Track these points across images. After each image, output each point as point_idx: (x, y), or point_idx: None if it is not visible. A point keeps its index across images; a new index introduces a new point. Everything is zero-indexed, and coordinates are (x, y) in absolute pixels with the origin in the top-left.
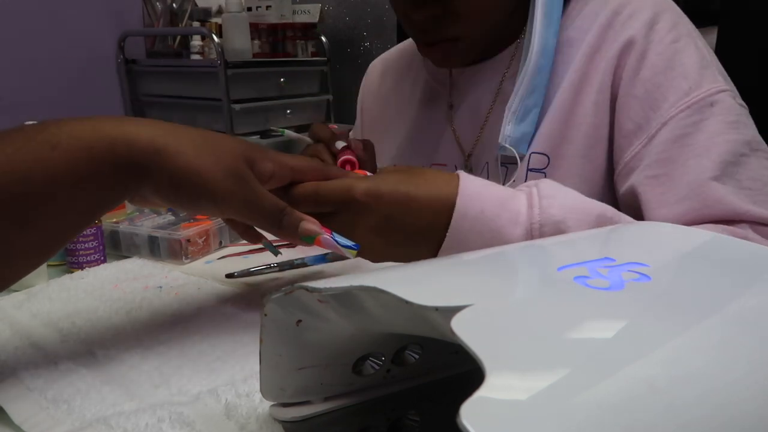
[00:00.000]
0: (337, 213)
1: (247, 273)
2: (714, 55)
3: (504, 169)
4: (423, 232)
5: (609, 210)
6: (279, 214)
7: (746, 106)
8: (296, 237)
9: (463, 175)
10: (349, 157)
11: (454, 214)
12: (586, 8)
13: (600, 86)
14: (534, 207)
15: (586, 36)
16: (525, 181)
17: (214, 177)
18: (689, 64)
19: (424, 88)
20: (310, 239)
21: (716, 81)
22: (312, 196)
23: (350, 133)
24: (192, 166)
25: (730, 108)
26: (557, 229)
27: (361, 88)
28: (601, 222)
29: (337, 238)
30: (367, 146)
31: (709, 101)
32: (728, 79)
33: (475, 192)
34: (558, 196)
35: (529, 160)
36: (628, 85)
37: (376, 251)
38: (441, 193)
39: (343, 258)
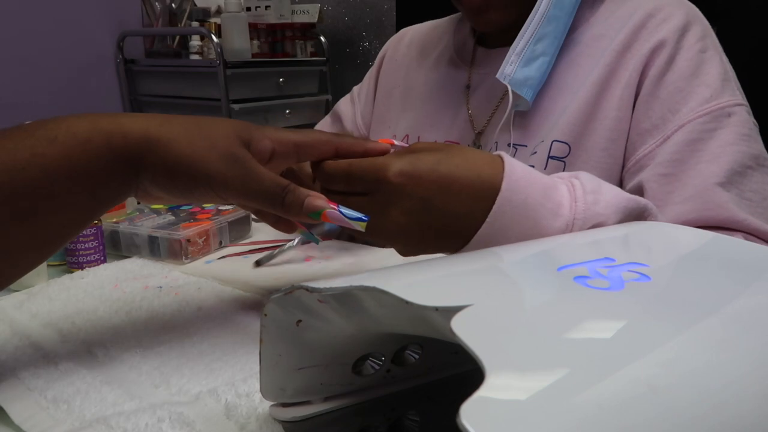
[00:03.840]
0: (369, 194)
1: (270, 257)
2: (734, 71)
3: (513, 149)
4: (461, 217)
5: (647, 208)
6: (281, 192)
7: (758, 124)
8: (302, 214)
9: (507, 157)
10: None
11: (498, 200)
12: (619, 11)
13: (627, 82)
14: (578, 201)
15: (618, 33)
16: (545, 168)
17: (208, 162)
18: (713, 74)
19: (448, 65)
20: (316, 215)
21: (735, 95)
22: (343, 174)
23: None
24: (185, 153)
25: (745, 122)
26: (595, 225)
27: (383, 49)
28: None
29: (344, 211)
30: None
31: (727, 111)
32: (744, 95)
33: (521, 177)
34: (603, 191)
35: (550, 148)
36: (652, 84)
37: (407, 239)
38: (483, 176)
39: (341, 234)
